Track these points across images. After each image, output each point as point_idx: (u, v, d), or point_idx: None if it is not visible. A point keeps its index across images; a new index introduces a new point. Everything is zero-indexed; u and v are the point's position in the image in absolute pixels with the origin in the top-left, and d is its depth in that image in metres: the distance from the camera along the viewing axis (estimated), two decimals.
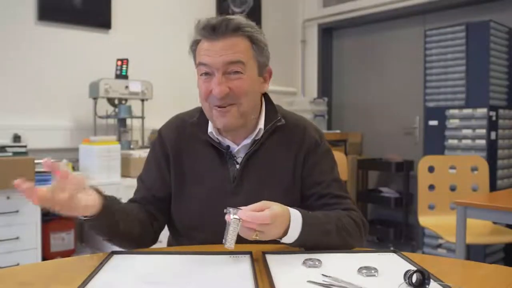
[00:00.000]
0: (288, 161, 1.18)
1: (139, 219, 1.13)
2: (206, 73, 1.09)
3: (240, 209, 0.91)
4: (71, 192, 0.88)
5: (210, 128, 1.17)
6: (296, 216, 0.99)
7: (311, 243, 1.00)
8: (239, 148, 1.17)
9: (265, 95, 1.23)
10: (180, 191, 1.18)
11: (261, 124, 1.17)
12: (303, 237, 0.98)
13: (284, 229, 0.97)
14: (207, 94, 1.10)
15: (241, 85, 1.08)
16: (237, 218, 0.89)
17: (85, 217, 0.97)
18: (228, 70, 1.08)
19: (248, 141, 1.17)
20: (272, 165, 1.17)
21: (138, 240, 1.12)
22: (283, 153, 1.18)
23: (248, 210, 0.91)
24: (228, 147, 1.17)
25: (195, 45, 1.13)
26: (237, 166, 1.16)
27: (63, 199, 0.87)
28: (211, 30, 1.07)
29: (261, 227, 0.91)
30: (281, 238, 0.98)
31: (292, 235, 0.98)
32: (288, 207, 0.99)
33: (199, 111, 1.21)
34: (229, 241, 0.89)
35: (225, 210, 0.91)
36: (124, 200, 1.23)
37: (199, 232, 1.15)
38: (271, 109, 1.21)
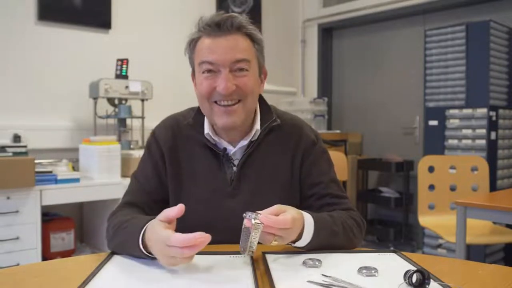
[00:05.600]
0: (286, 162, 1.17)
1: None
2: (209, 71, 1.07)
3: (259, 213, 0.88)
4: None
5: (207, 130, 1.15)
6: (308, 220, 0.98)
7: (320, 245, 1.00)
8: (235, 150, 1.15)
9: (259, 96, 1.21)
10: (178, 193, 1.16)
11: (257, 125, 1.16)
12: (314, 240, 0.98)
13: (299, 233, 0.96)
14: (210, 91, 1.07)
15: (247, 82, 1.08)
16: (260, 223, 0.86)
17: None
18: (234, 68, 1.06)
19: (244, 142, 1.15)
20: (270, 166, 1.16)
21: None
22: (280, 153, 1.17)
23: (267, 215, 0.88)
24: (225, 149, 1.15)
25: (193, 43, 1.10)
26: (234, 168, 1.15)
27: None
28: (216, 27, 1.06)
29: (281, 231, 0.89)
30: (294, 242, 0.97)
31: (305, 239, 0.97)
32: (300, 211, 0.99)
33: (194, 111, 1.19)
34: (251, 247, 0.87)
35: (244, 215, 0.88)
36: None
37: None
38: (266, 109, 1.20)
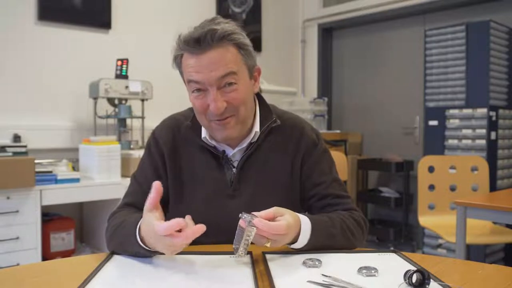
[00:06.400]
0: (286, 163, 1.16)
1: None
2: (199, 89, 1.05)
3: (255, 215, 0.88)
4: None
5: (204, 133, 1.15)
6: (305, 223, 0.99)
7: (318, 247, 1.00)
8: (235, 152, 1.15)
9: (259, 96, 1.20)
10: (179, 194, 1.16)
11: (257, 127, 1.15)
12: (311, 242, 0.98)
13: (294, 236, 0.96)
14: (204, 110, 1.06)
15: (237, 96, 1.05)
16: (253, 227, 0.86)
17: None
18: (222, 84, 1.04)
19: (244, 144, 1.15)
20: (269, 167, 1.15)
21: None
22: (280, 154, 1.16)
23: (262, 218, 0.88)
24: (224, 151, 1.15)
25: (179, 58, 1.08)
26: (234, 170, 1.14)
27: None
28: (196, 43, 1.01)
29: (275, 236, 0.89)
30: (290, 245, 0.98)
31: (302, 242, 0.98)
32: (298, 214, 0.99)
33: (193, 112, 1.17)
34: (242, 250, 0.87)
35: (240, 215, 0.88)
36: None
37: (198, 237, 1.13)
38: (266, 110, 1.19)
